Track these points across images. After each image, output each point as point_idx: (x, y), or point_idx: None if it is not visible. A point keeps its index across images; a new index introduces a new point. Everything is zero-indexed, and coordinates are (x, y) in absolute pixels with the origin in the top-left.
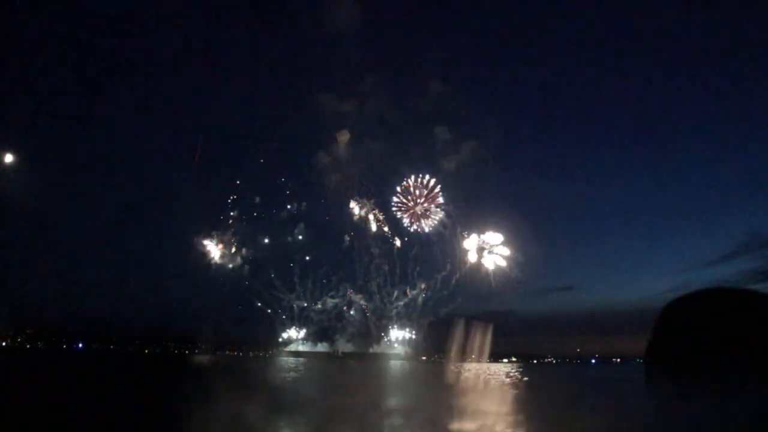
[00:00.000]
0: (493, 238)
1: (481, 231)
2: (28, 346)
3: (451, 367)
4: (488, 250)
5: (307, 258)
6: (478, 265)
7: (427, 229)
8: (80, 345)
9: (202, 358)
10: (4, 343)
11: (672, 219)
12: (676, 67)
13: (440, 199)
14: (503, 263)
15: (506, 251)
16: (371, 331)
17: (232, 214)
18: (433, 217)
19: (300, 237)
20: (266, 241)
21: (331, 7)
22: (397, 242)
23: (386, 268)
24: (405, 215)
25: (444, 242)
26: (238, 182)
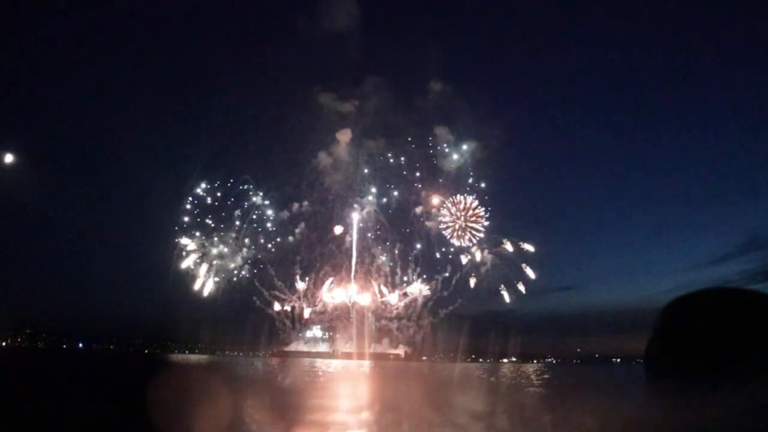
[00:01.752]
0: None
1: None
2: (26, 345)
3: (462, 367)
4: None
5: (309, 258)
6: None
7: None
8: (80, 345)
9: (203, 358)
10: (4, 343)
11: (672, 219)
12: (675, 67)
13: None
14: (522, 291)
15: (531, 273)
16: (372, 331)
17: (236, 213)
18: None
19: (301, 237)
20: (267, 240)
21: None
22: (399, 243)
23: (387, 268)
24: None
25: (445, 243)
26: (239, 183)
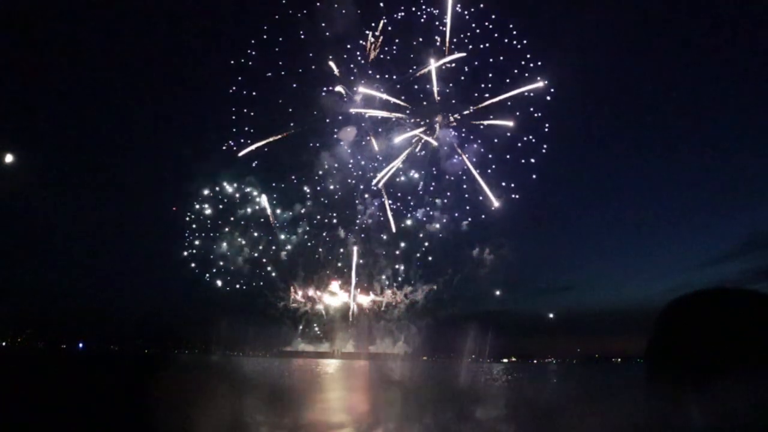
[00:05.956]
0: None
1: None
2: (26, 345)
3: (470, 367)
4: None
5: (311, 258)
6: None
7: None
8: (80, 345)
9: (202, 359)
10: (4, 343)
11: (672, 219)
12: (675, 66)
13: None
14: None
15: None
16: (372, 331)
17: (239, 213)
18: None
19: (304, 238)
20: (270, 241)
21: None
22: (401, 244)
23: (389, 270)
24: None
25: (446, 244)
26: (242, 184)
